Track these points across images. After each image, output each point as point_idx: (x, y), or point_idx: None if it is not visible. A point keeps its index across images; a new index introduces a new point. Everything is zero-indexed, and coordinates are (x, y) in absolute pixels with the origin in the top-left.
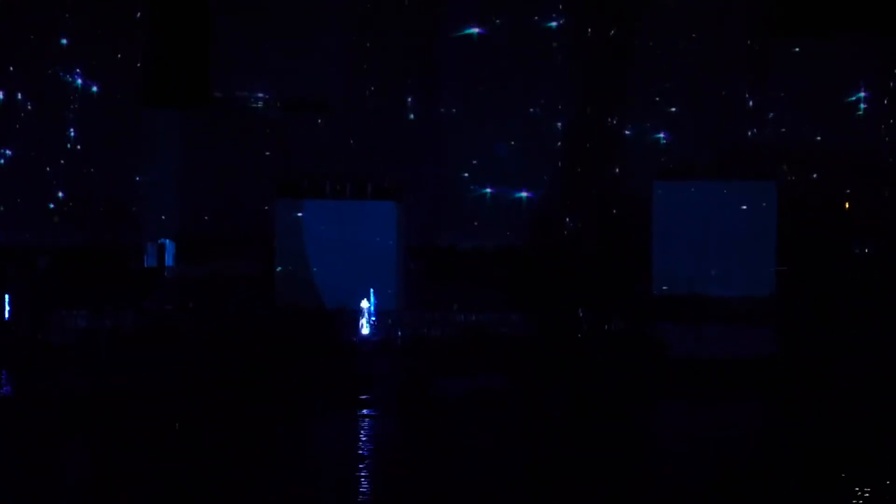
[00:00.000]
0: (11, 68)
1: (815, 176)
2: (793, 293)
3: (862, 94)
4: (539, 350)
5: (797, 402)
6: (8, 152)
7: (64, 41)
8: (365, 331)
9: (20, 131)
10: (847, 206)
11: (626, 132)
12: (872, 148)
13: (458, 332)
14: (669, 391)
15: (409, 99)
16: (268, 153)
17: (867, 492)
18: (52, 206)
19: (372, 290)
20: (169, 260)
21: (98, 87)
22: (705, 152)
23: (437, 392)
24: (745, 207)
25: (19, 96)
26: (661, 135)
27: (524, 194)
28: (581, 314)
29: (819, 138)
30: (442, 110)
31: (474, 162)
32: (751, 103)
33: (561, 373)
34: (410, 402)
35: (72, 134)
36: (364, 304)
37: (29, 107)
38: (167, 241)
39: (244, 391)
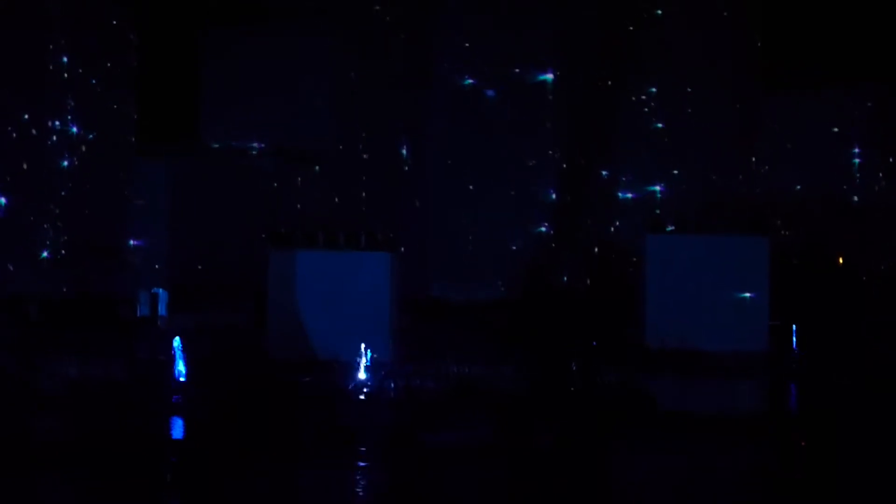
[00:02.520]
0: (2, 119)
1: (807, 229)
2: (786, 348)
3: (854, 147)
4: (531, 402)
5: (789, 456)
6: (1, 201)
7: (56, 91)
8: (357, 382)
9: (12, 181)
10: (841, 259)
11: (619, 185)
12: (865, 200)
13: (450, 385)
14: (661, 444)
15: (402, 150)
16: (260, 203)
17: None
18: (44, 254)
19: (364, 345)
20: (162, 309)
21: (90, 137)
22: (698, 206)
23: (428, 443)
24: (737, 262)
25: (11, 146)
26: (654, 188)
27: (521, 243)
28: (573, 367)
29: (811, 191)
30: (434, 161)
31: (467, 213)
32: (743, 157)
33: (553, 425)
34: (401, 453)
35: (64, 183)
36: (361, 359)
37: (21, 157)
38: (160, 290)
39: (234, 440)
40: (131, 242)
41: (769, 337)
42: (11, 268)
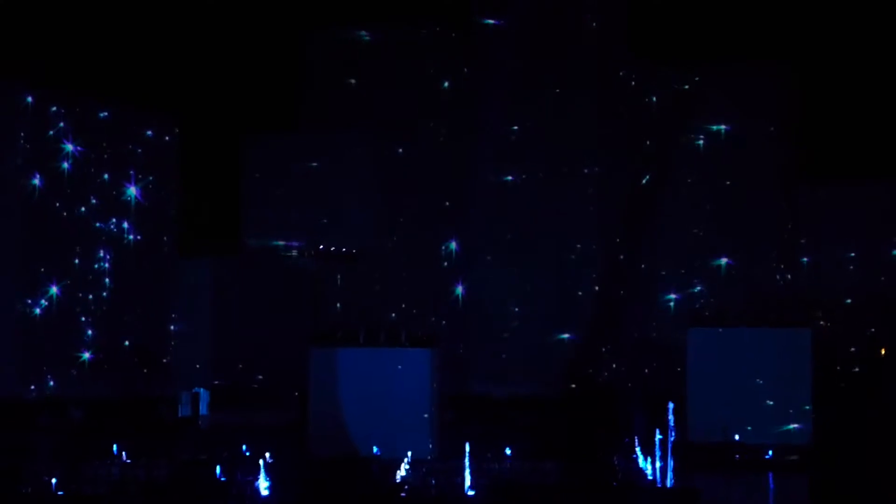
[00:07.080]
0: (47, 224)
1: (849, 322)
2: (829, 441)
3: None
4: (573, 498)
5: None
6: (43, 303)
7: (100, 196)
8: (399, 478)
9: (54, 284)
10: (883, 352)
11: (660, 278)
12: None
13: (491, 481)
14: None
15: (442, 247)
16: (301, 302)
17: None
18: (86, 356)
19: (405, 442)
20: (203, 409)
21: (133, 240)
22: (739, 299)
23: None
24: (780, 354)
25: (54, 249)
26: (695, 281)
27: (561, 338)
28: (615, 461)
29: (853, 284)
30: (474, 258)
31: (507, 309)
32: (785, 249)
33: None
34: None
35: (106, 285)
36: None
37: (63, 260)
38: (201, 390)
39: None
40: (173, 343)
41: (812, 430)
42: (53, 370)
